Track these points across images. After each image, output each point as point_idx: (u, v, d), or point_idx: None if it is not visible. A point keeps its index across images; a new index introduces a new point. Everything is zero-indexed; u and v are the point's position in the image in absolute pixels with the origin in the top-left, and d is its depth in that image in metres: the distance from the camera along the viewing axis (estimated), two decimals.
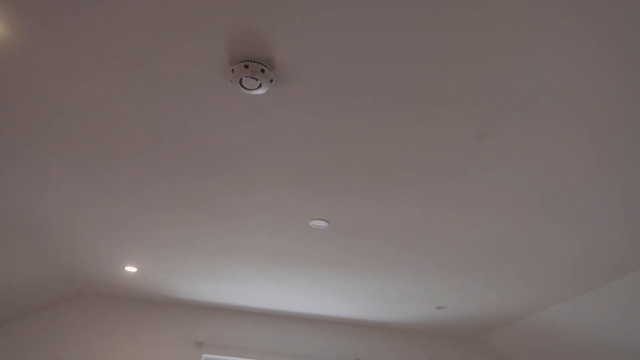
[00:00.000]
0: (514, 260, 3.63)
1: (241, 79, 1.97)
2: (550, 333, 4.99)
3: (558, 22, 1.68)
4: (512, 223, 3.08)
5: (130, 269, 4.50)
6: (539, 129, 2.20)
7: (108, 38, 1.86)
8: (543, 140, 2.27)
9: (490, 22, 1.70)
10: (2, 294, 4.49)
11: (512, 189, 2.70)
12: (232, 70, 1.95)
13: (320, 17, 1.72)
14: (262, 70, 1.94)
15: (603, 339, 4.54)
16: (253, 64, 1.92)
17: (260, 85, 2.00)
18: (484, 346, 6.10)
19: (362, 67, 1.92)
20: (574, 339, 4.81)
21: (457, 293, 4.49)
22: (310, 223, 3.29)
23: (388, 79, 1.97)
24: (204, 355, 5.47)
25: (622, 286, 3.84)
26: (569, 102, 2.03)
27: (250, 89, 2.01)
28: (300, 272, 4.28)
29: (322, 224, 3.28)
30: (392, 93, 2.04)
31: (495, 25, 1.70)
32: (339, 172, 2.66)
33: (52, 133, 2.47)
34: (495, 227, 3.15)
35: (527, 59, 1.83)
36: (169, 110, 2.26)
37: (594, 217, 2.91)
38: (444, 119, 2.18)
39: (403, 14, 1.68)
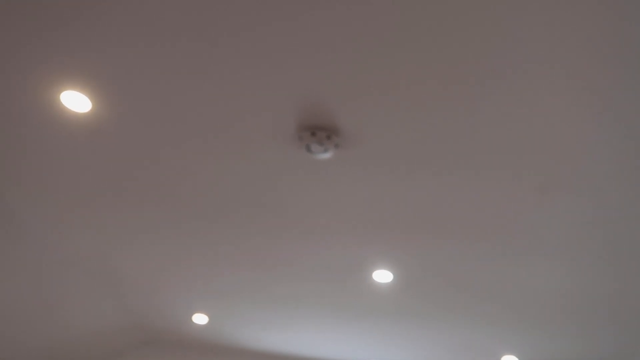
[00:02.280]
0: (588, 311, 3.51)
1: (308, 144, 2.14)
2: None
3: None
4: (585, 270, 3.01)
5: (200, 318, 4.69)
6: (597, 183, 2.21)
7: (193, 113, 2.10)
8: (602, 194, 2.27)
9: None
10: (74, 341, 4.77)
11: (584, 235, 2.67)
12: (300, 137, 2.12)
13: (384, 88, 1.87)
14: (328, 137, 2.11)
15: None
16: (320, 131, 2.09)
17: (326, 150, 2.16)
18: None
19: (421, 132, 2.04)
20: None
21: (523, 347, 4.33)
22: (374, 274, 3.36)
23: (447, 141, 2.07)
24: None
25: None
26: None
27: (317, 154, 2.17)
28: (366, 322, 4.30)
29: (386, 275, 3.34)
30: (459, 151, 2.14)
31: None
32: (404, 228, 2.74)
33: (134, 191, 2.73)
34: (567, 276, 3.09)
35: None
36: (239, 172, 2.45)
37: None
38: (509, 172, 2.24)
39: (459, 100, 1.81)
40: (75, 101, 2.08)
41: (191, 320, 4.78)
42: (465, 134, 2.04)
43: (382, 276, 3.35)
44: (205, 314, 4.60)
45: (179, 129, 2.20)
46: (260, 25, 1.74)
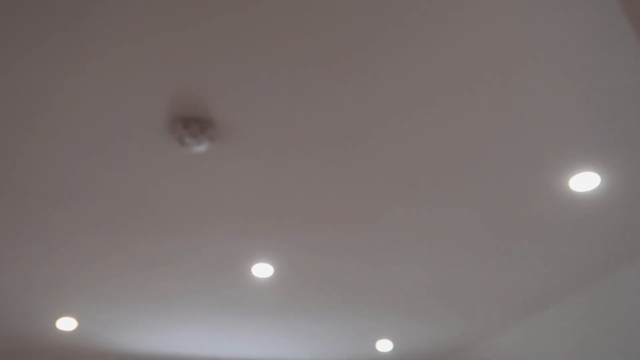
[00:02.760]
0: (438, 296, 3.86)
1: (180, 137, 2.10)
2: None
3: None
4: (439, 261, 3.31)
5: (69, 323, 4.37)
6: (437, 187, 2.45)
7: (56, 105, 1.95)
8: (463, 183, 2.52)
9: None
10: None
11: (435, 233, 2.93)
12: (171, 129, 2.08)
13: (256, 78, 1.90)
14: (202, 129, 2.08)
15: None
16: (193, 124, 2.07)
17: (199, 143, 2.13)
18: None
19: (296, 123, 2.10)
20: None
21: (395, 332, 4.65)
22: (253, 268, 3.38)
23: (323, 139, 2.16)
24: None
25: (547, 317, 4.14)
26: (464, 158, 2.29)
27: (190, 146, 2.14)
28: (247, 319, 4.31)
29: (267, 268, 3.38)
30: (323, 146, 2.24)
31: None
32: (282, 222, 2.80)
33: None
34: (424, 267, 3.37)
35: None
36: (108, 162, 2.34)
37: (517, 249, 3.19)
38: (373, 169, 2.39)
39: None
40: None
41: (56, 325, 4.43)
42: (337, 123, 2.14)
43: (262, 270, 3.39)
44: (75, 318, 4.29)
45: (42, 121, 2.03)
46: (129, 9, 1.67)
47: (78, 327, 4.50)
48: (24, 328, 4.48)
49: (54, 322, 4.34)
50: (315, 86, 1.93)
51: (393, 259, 3.28)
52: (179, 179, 2.44)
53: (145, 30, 1.74)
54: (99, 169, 2.36)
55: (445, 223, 2.87)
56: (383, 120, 2.12)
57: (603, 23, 1.73)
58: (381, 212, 2.76)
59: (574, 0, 1.65)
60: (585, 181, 2.51)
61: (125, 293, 3.77)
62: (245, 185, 2.50)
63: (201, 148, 2.16)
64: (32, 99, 1.94)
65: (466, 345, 5.08)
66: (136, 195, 2.55)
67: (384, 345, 5.08)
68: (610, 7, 1.64)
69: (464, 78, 1.94)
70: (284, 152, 2.27)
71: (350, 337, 4.86)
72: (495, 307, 4.10)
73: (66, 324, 4.38)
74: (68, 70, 1.82)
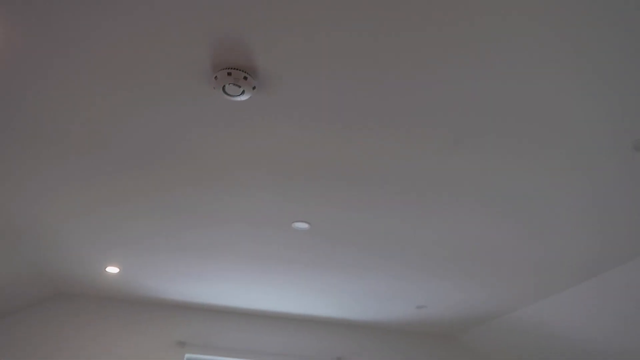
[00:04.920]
0: (492, 259, 3.73)
1: (224, 85, 2.01)
2: (526, 331, 5.12)
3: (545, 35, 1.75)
4: (484, 228, 3.17)
5: (113, 269, 4.50)
6: (506, 136, 2.28)
7: (95, 52, 1.88)
8: (509, 148, 2.35)
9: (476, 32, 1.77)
10: None
11: (482, 196, 2.79)
12: (215, 77, 1.99)
13: (303, 27, 1.77)
14: (245, 78, 1.99)
15: (574, 337, 4.68)
16: (236, 72, 1.97)
17: (243, 92, 2.04)
18: (463, 344, 6.22)
19: (344, 78, 1.97)
20: (548, 337, 4.95)
21: (435, 293, 4.58)
22: (293, 225, 3.34)
23: (369, 91, 2.03)
24: (187, 355, 5.49)
25: (591, 287, 3.97)
26: (538, 110, 2.12)
27: (233, 96, 2.05)
28: (282, 273, 4.33)
29: (304, 226, 3.33)
30: (372, 105, 2.10)
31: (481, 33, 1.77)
32: (320, 178, 2.71)
33: (24, 132, 2.47)
34: (468, 232, 3.24)
35: (506, 67, 1.91)
36: (152, 119, 2.28)
37: (564, 219, 3.02)
38: (419, 127, 2.25)
39: (385, 26, 1.75)
40: None
41: (102, 271, 4.57)
42: (387, 88, 2.00)
43: (299, 225, 3.34)
44: (117, 265, 4.41)
45: (85, 73, 1.98)
46: None
47: (120, 272, 4.63)
48: (79, 271, 4.65)
49: (103, 268, 4.47)
50: (368, 41, 1.78)
51: (434, 219, 3.16)
52: (221, 129, 2.37)
53: None
54: (141, 118, 2.31)
55: (495, 186, 2.72)
56: (427, 66, 1.96)
57: None
58: (424, 169, 2.63)
59: None
60: None
61: (164, 243, 3.82)
62: (284, 138, 2.41)
63: (244, 97, 2.07)
64: (73, 43, 1.87)
65: (497, 313, 4.99)
66: (178, 144, 2.51)
67: (418, 305, 5.03)
68: None
69: None
70: (327, 107, 2.15)
71: (386, 297, 4.83)
72: (536, 276, 3.95)
73: (110, 269, 4.52)
74: (109, 15, 1.73)
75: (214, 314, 5.75)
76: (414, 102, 2.11)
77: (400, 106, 2.13)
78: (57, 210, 3.33)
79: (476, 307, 4.95)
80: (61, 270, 4.62)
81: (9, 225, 3.57)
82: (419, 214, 3.07)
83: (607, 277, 3.80)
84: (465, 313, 5.17)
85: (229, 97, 2.07)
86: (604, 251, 3.41)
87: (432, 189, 2.78)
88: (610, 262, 3.59)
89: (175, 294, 5.20)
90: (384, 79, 1.98)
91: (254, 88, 2.03)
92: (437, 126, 2.25)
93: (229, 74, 1.96)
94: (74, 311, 5.42)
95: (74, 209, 3.29)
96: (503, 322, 5.26)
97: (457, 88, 2.02)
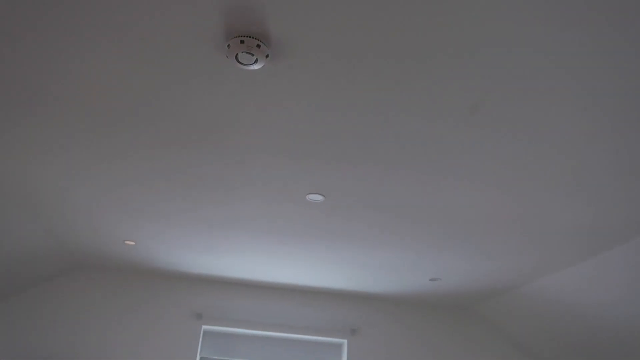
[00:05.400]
0: (508, 229, 3.71)
1: (237, 54, 1.99)
2: (545, 302, 5.12)
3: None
4: (506, 192, 3.14)
5: (129, 241, 4.56)
6: (536, 95, 2.24)
7: (98, 5, 1.87)
8: (542, 107, 2.31)
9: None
10: (1, 268, 4.55)
11: (506, 159, 2.75)
12: (228, 45, 1.97)
13: None
14: (258, 46, 1.96)
15: (597, 307, 4.67)
16: (249, 39, 1.94)
17: (256, 61, 2.01)
18: (479, 316, 6.25)
19: (358, 43, 1.94)
20: (568, 307, 4.95)
21: (450, 263, 4.58)
22: (307, 197, 3.34)
23: (383, 55, 1.99)
24: (203, 327, 5.59)
25: (615, 256, 3.94)
26: (570, 67, 2.06)
27: (247, 64, 2.03)
28: (296, 245, 4.36)
29: (318, 197, 3.33)
30: (388, 75, 2.07)
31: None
32: (334, 149, 2.70)
33: (44, 103, 2.48)
34: (489, 197, 3.21)
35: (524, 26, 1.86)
36: (166, 82, 2.27)
37: (593, 184, 2.97)
38: (439, 89, 2.21)
39: None
40: None
41: (120, 243, 4.64)
42: (408, 60, 1.96)
43: (314, 197, 3.34)
44: (134, 237, 4.47)
45: (105, 39, 1.96)
46: None
47: (137, 244, 4.69)
48: (98, 244, 4.72)
49: (121, 240, 4.54)
50: (387, 11, 1.74)
51: (447, 190, 3.14)
52: (234, 100, 2.35)
53: None
54: (153, 88, 2.30)
55: (512, 153, 2.68)
56: (450, 37, 1.92)
57: None
58: (439, 139, 2.59)
59: None
60: None
61: (179, 216, 3.85)
62: (298, 108, 2.39)
63: (257, 66, 2.04)
64: (82, 14, 1.86)
65: (514, 284, 4.98)
66: (192, 115, 2.50)
67: (431, 277, 5.05)
68: None
69: None
70: (340, 76, 2.12)
71: (400, 269, 4.85)
72: (564, 242, 3.92)
73: (127, 241, 4.59)
74: None
75: (230, 287, 5.83)
76: (431, 72, 2.07)
77: (417, 78, 2.09)
78: (77, 184, 3.36)
79: (491, 279, 4.95)
80: (80, 242, 4.70)
81: (30, 197, 3.62)
82: (433, 184, 3.05)
83: (632, 245, 3.76)
84: (480, 285, 5.18)
85: (242, 66, 2.04)
86: (629, 218, 3.37)
87: (447, 159, 2.75)
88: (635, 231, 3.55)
89: (191, 266, 5.27)
90: (402, 50, 1.94)
91: (267, 56, 2.01)
92: (452, 95, 2.21)
93: (242, 42, 1.94)
94: (92, 283, 5.53)
95: (94, 182, 3.33)
96: (519, 293, 5.26)
97: (476, 48, 1.97)
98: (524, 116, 2.33)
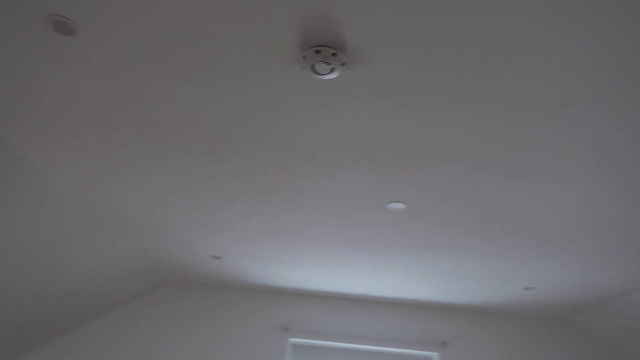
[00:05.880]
0: (612, 233, 3.41)
1: (313, 64, 1.98)
2: None
3: None
4: (606, 196, 2.88)
5: (216, 256, 4.71)
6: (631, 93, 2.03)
7: (178, 33, 1.93)
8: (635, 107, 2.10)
9: None
10: (97, 286, 4.85)
11: (603, 160, 2.52)
12: (304, 56, 1.96)
13: (395, 1, 1.68)
14: (334, 54, 1.94)
15: None
16: (325, 49, 1.93)
17: (332, 70, 1.99)
18: (581, 328, 5.79)
19: (436, 41, 1.86)
20: None
21: (547, 271, 4.28)
22: (388, 206, 3.26)
23: (465, 51, 1.90)
24: (290, 340, 5.63)
25: None
26: None
27: (323, 74, 2.02)
28: (380, 255, 4.27)
29: (401, 206, 3.24)
30: (466, 86, 1.97)
31: None
32: (415, 157, 2.61)
33: (136, 125, 2.61)
34: (588, 202, 2.97)
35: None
36: (244, 102, 2.31)
37: None
38: (527, 86, 2.07)
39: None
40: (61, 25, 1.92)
41: (205, 258, 4.80)
42: (484, 72, 1.86)
43: (397, 205, 3.26)
44: (220, 252, 4.60)
45: (175, 59, 2.04)
46: None
47: (223, 259, 4.82)
48: (185, 260, 4.93)
49: (207, 255, 4.70)
50: (466, 23, 1.66)
51: (549, 190, 2.93)
52: (311, 109, 2.35)
53: None
54: (230, 103, 2.35)
55: (614, 151, 2.45)
56: (524, 34, 1.78)
57: None
58: (536, 138, 2.42)
59: None
60: None
61: (261, 229, 3.90)
62: (376, 116, 2.33)
63: (333, 75, 2.02)
64: (160, 28, 1.93)
65: (619, 293, 4.56)
66: (268, 126, 2.52)
67: (526, 286, 4.75)
68: None
69: None
70: (420, 75, 2.04)
71: (490, 278, 4.61)
72: None
73: (213, 256, 4.72)
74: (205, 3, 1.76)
75: (315, 299, 5.84)
76: (517, 68, 1.94)
77: (501, 75, 1.97)
78: (162, 202, 3.52)
79: (595, 287, 4.57)
80: (169, 259, 4.91)
81: (120, 217, 3.84)
82: (524, 188, 2.86)
83: None
84: (581, 293, 4.80)
85: (318, 76, 2.03)
86: None
87: (538, 161, 2.57)
88: None
89: (276, 279, 5.34)
90: (486, 46, 1.84)
91: (343, 64, 1.98)
92: (542, 92, 2.06)
93: (318, 51, 1.93)
94: (181, 299, 5.75)
95: (183, 201, 3.47)
96: (628, 302, 4.81)
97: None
98: (623, 112, 2.12)
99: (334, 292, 5.64)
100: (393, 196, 3.13)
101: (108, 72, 2.17)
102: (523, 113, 2.22)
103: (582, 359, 5.61)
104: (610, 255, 3.75)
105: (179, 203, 3.52)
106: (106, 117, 2.50)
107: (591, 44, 1.82)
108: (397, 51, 1.93)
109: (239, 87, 2.21)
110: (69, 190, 3.36)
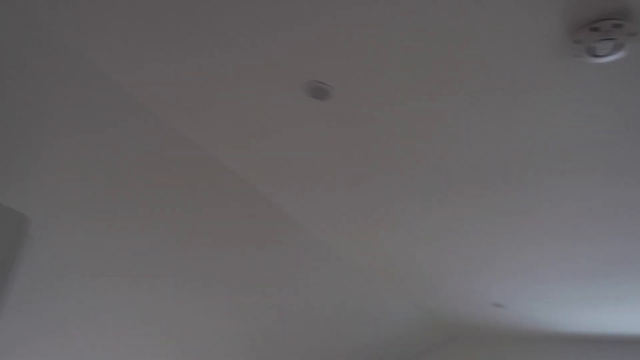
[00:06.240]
0: None
1: (590, 47, 1.59)
2: None
3: None
4: None
5: (497, 304, 4.27)
6: None
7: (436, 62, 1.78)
8: None
9: None
10: (386, 341, 4.88)
11: None
12: (576, 41, 1.59)
13: None
14: (617, 25, 1.53)
15: None
16: (603, 22, 1.53)
17: (617, 47, 1.57)
18: None
19: None
20: None
21: None
22: None
23: None
24: None
25: None
26: None
27: (606, 55, 1.60)
28: None
29: None
30: None
31: None
32: None
33: (399, 173, 2.52)
34: None
35: None
36: (523, 120, 2.00)
37: None
38: None
39: None
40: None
41: (487, 307, 4.40)
42: None
43: None
44: (501, 299, 4.16)
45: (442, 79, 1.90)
46: None
47: (506, 306, 4.38)
48: (465, 311, 4.64)
49: (487, 304, 4.31)
50: None
51: None
52: (594, 112, 1.90)
53: None
54: (506, 126, 2.06)
55: None
56: None
57: None
58: None
59: None
60: None
61: (545, 271, 3.38)
62: None
63: (618, 55, 1.60)
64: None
65: None
66: (559, 151, 2.14)
67: None
68: None
69: None
70: None
71: None
72: None
73: (496, 306, 4.32)
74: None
75: (619, 346, 4.80)
76: None
77: None
78: (430, 249, 3.34)
79: None
80: (448, 311, 4.65)
81: (397, 273, 3.78)
82: None
83: None
84: None
85: (599, 60, 1.63)
86: None
87: None
88: None
89: (568, 325, 4.57)
90: None
91: (632, 35, 1.54)
92: None
93: (594, 28, 1.54)
94: (463, 354, 5.37)
95: (443, 245, 3.24)
96: None
97: None
98: None
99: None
100: None
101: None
102: None
103: None
104: None
105: (446, 248, 3.29)
106: (370, 174, 2.49)
107: None
108: None
109: (512, 103, 1.93)
110: (344, 254, 3.48)
